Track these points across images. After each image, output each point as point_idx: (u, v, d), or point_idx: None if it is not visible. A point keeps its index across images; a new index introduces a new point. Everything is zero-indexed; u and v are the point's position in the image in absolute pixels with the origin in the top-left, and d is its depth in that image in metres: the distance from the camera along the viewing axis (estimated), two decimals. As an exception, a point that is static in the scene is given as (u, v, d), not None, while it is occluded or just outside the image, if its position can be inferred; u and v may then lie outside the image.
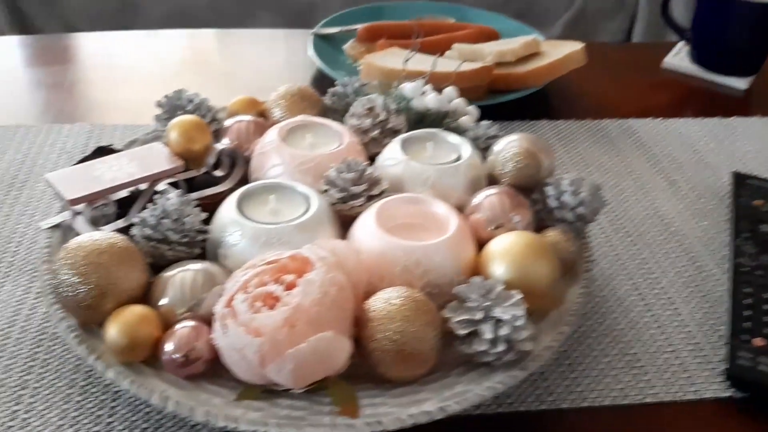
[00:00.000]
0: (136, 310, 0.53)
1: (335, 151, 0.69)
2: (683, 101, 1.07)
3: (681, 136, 0.96)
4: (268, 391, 0.52)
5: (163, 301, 0.55)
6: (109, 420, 0.55)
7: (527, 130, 0.94)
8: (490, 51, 1.00)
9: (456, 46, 1.03)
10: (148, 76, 1.05)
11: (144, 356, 0.53)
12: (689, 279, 0.72)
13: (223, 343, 0.51)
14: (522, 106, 0.98)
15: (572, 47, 1.01)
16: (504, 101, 0.96)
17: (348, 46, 1.11)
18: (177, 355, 0.52)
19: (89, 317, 0.54)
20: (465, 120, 0.79)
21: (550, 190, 0.66)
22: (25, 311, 0.63)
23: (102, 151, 0.72)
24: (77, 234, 0.64)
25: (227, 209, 0.61)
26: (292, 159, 0.67)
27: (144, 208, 0.65)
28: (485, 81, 0.96)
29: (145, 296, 0.56)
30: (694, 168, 0.89)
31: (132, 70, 1.07)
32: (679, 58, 1.14)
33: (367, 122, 0.74)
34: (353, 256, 0.56)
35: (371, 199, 0.64)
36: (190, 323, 0.53)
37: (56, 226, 0.65)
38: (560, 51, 1.01)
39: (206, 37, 1.25)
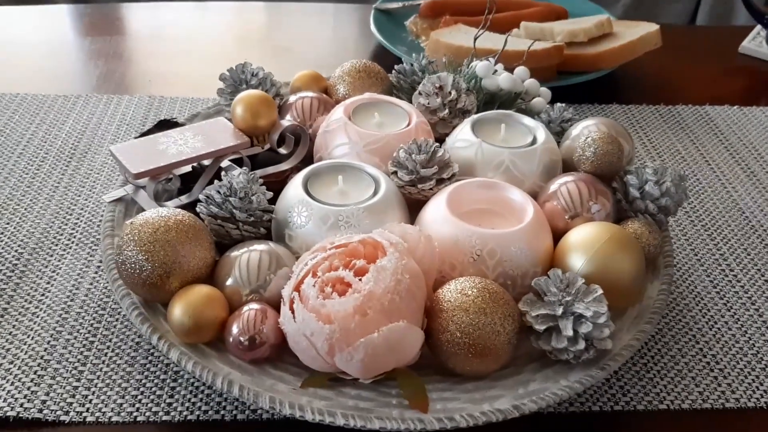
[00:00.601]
0: (202, 290, 0.52)
1: (403, 131, 0.66)
2: (761, 88, 1.01)
3: (760, 125, 0.91)
4: (335, 380, 0.50)
5: (228, 282, 0.53)
6: (169, 401, 0.54)
7: (598, 114, 0.90)
8: (560, 30, 0.96)
9: (524, 24, 0.99)
10: (204, 48, 1.04)
11: (209, 338, 0.51)
12: (772, 278, 0.68)
13: (290, 329, 0.49)
14: (591, 89, 0.94)
15: (647, 28, 0.97)
16: (574, 83, 0.92)
17: (410, 22, 1.08)
18: (243, 338, 0.50)
19: (153, 295, 0.53)
20: (538, 102, 0.76)
21: (631, 179, 0.62)
22: (86, 285, 0.62)
23: (165, 125, 0.70)
24: (140, 208, 0.63)
25: (294, 189, 0.59)
26: (360, 138, 0.65)
27: (208, 184, 0.64)
28: (556, 61, 0.92)
29: (210, 276, 0.55)
30: (775, 159, 0.85)
31: (186, 42, 1.05)
32: (756, 43, 1.08)
33: (437, 101, 0.71)
34: (425, 242, 0.53)
35: (441, 182, 0.62)
36: (257, 306, 0.51)
37: (119, 200, 0.64)
38: (634, 32, 0.97)
39: (256, 9, 1.22)
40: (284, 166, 0.68)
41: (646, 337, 0.55)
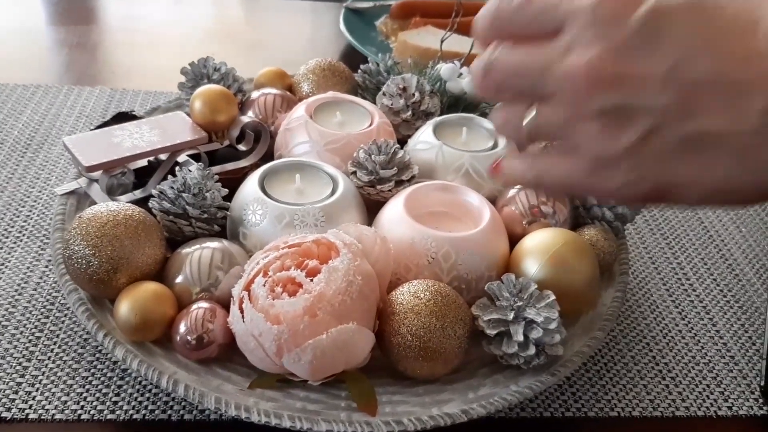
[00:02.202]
0: (150, 287, 0.51)
1: (365, 131, 0.66)
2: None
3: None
4: (283, 381, 0.49)
5: (178, 279, 0.52)
6: (115, 399, 0.52)
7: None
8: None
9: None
10: (172, 42, 1.02)
11: (156, 336, 0.50)
12: (726, 288, 0.69)
13: (239, 329, 0.48)
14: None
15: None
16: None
17: (380, 23, 1.08)
18: (190, 337, 0.49)
19: (100, 291, 0.52)
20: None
21: (589, 186, 0.62)
22: (35, 279, 0.61)
23: (123, 117, 0.69)
24: (93, 202, 0.62)
25: (250, 186, 0.58)
26: (320, 137, 0.64)
27: (163, 179, 0.63)
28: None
29: (160, 273, 0.54)
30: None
31: (155, 35, 1.04)
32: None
33: (400, 103, 0.71)
34: (381, 243, 0.53)
35: (401, 184, 0.61)
36: (206, 304, 0.50)
37: (71, 193, 0.63)
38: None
39: (232, 3, 1.21)
40: (243, 163, 0.67)
41: (598, 344, 0.55)
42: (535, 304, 0.51)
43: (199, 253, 0.53)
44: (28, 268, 0.62)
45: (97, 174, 0.61)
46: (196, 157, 0.65)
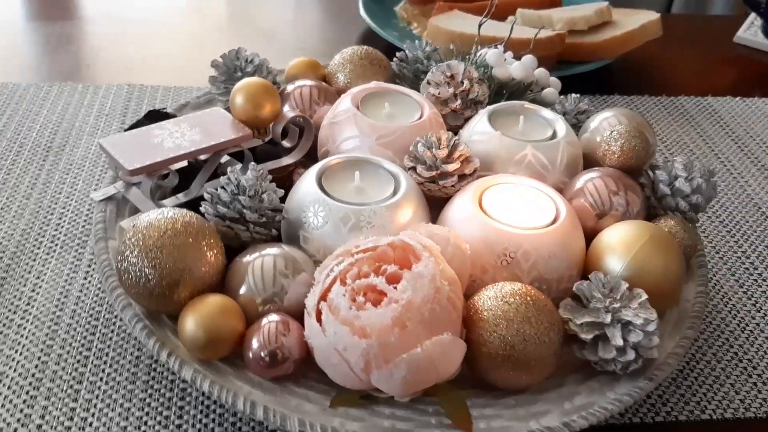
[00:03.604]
0: (216, 300, 0.46)
1: (417, 123, 0.62)
2: (759, 78, 1.00)
3: (765, 117, 0.89)
4: (366, 397, 0.46)
5: (242, 290, 0.48)
6: (179, 422, 0.48)
7: (600, 105, 0.87)
8: (559, 18, 0.93)
9: (521, 11, 0.96)
10: (179, 33, 0.97)
11: (225, 353, 0.46)
12: (796, 275, 0.66)
13: (319, 343, 0.44)
14: (590, 79, 0.91)
15: (647, 17, 0.94)
16: (575, 73, 0.89)
17: (400, 8, 1.03)
18: (264, 354, 0.45)
19: (160, 306, 0.48)
20: (549, 93, 0.72)
21: (661, 175, 0.59)
22: (75, 293, 0.57)
23: (156, 116, 0.64)
24: (133, 208, 0.57)
25: (307, 186, 0.54)
26: (371, 130, 0.60)
27: (207, 180, 0.59)
28: (558, 50, 0.88)
29: (220, 284, 0.49)
30: (783, 152, 0.83)
31: (157, 26, 0.98)
32: (751, 32, 1.07)
33: (448, 91, 0.67)
34: (455, 243, 0.49)
35: (463, 178, 0.57)
36: (277, 317, 0.46)
37: (109, 198, 0.58)
38: (634, 20, 0.94)
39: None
40: (288, 160, 0.63)
41: (689, 344, 0.52)
42: (629, 304, 0.48)
43: (261, 260, 0.49)
44: (66, 281, 0.58)
45: (136, 177, 0.56)
46: (237, 156, 0.61)
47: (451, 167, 0.57)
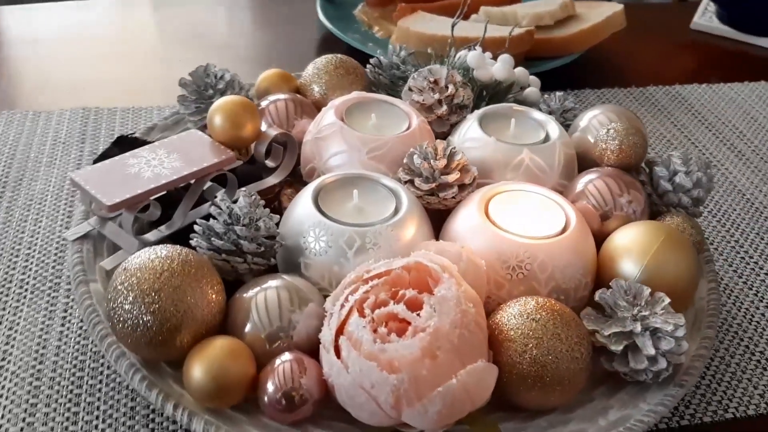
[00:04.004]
0: (224, 343, 0.43)
1: (407, 133, 0.59)
2: (718, 64, 1.00)
3: (733, 102, 0.89)
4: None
5: (247, 329, 0.45)
6: (188, 477, 0.45)
7: (573, 101, 0.86)
8: (524, 14, 0.91)
9: (484, 8, 0.94)
10: (122, 50, 0.91)
11: (237, 400, 0.43)
12: (791, 261, 0.66)
13: (342, 381, 0.41)
14: (560, 74, 0.89)
15: (611, 8, 0.93)
16: (546, 69, 0.87)
17: (359, 11, 1.00)
18: (281, 398, 0.42)
19: (159, 354, 0.44)
20: (532, 92, 0.70)
21: (660, 171, 0.58)
22: (54, 342, 0.52)
23: (125, 142, 0.60)
24: (112, 245, 0.53)
25: (303, 208, 0.51)
26: (361, 144, 0.57)
27: (191, 210, 0.54)
28: (528, 47, 0.87)
29: (222, 324, 0.46)
30: (756, 135, 0.83)
31: (94, 42, 0.92)
32: (706, 18, 1.07)
33: (432, 97, 0.64)
34: (468, 259, 0.47)
35: (463, 189, 0.55)
36: (290, 356, 0.43)
37: (84, 236, 0.54)
38: (598, 13, 0.93)
39: (171, 3, 1.09)
40: (272, 180, 0.60)
41: (712, 344, 0.50)
42: (654, 309, 0.46)
43: (263, 295, 0.46)
44: (42, 330, 0.53)
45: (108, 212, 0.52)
46: (218, 181, 0.57)
47: (450, 178, 0.54)
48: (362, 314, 0.42)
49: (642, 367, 0.45)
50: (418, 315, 0.42)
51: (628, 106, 0.87)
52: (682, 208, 0.57)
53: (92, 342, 0.51)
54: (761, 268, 0.65)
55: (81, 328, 0.53)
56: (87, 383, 0.49)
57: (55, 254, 0.59)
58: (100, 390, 0.49)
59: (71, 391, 0.49)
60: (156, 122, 0.67)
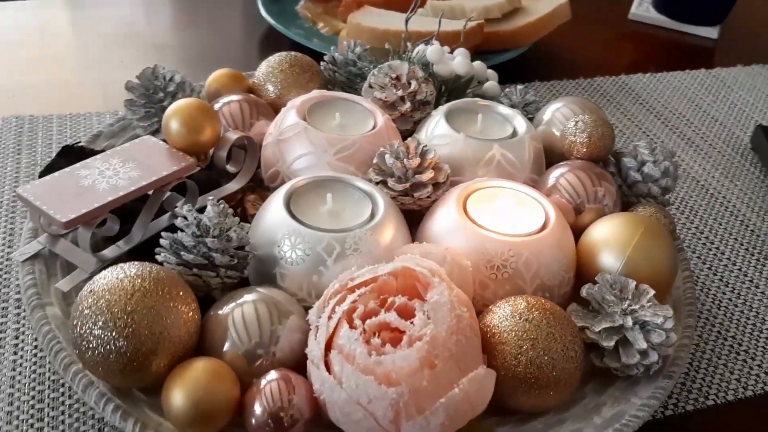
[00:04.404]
0: (205, 365, 0.40)
1: (374, 132, 0.57)
2: (659, 53, 1.02)
3: (677, 90, 0.91)
4: (390, 447, 0.41)
5: (226, 347, 0.42)
6: None
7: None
8: (472, 7, 0.90)
9: (431, 3, 0.92)
10: (46, 54, 0.85)
11: (222, 425, 0.40)
12: (750, 246, 0.67)
13: (336, 398, 0.39)
14: (507, 68, 0.89)
15: (557, 0, 0.93)
16: (497, 63, 0.87)
17: (301, 7, 0.97)
18: (271, 420, 0.39)
19: (134, 381, 0.40)
20: (491, 86, 0.69)
21: (629, 162, 0.58)
22: (8, 373, 0.48)
23: (70, 153, 0.56)
24: (66, 264, 0.49)
25: (274, 215, 0.48)
26: (328, 145, 0.55)
27: (150, 221, 0.51)
28: (478, 41, 0.86)
29: (199, 344, 0.43)
30: (702, 122, 0.85)
31: (12, 49, 0.85)
32: (643, 8, 1.09)
33: (395, 94, 0.62)
34: (453, 261, 0.45)
35: (438, 187, 0.53)
36: (276, 374, 0.40)
37: (34, 256, 0.49)
38: (544, 5, 0.93)
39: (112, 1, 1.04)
40: (234, 186, 0.57)
41: (693, 333, 0.50)
42: (641, 302, 0.46)
43: (240, 310, 0.43)
44: (-7, 361, 0.48)
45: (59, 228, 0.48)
46: (178, 189, 0.54)
47: (424, 177, 0.52)
48: (352, 325, 0.40)
49: (634, 362, 0.44)
50: (412, 323, 0.40)
51: (579, 97, 0.87)
52: (652, 197, 0.58)
53: (51, 371, 0.47)
54: (722, 253, 0.66)
55: (37, 355, 0.49)
56: (48, 415, 0.45)
57: (14, 279, 0.54)
58: (63, 422, 0.45)
59: (32, 426, 0.45)
60: (101, 129, 0.63)
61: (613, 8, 1.11)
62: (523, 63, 0.91)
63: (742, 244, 0.67)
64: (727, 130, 0.84)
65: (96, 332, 0.39)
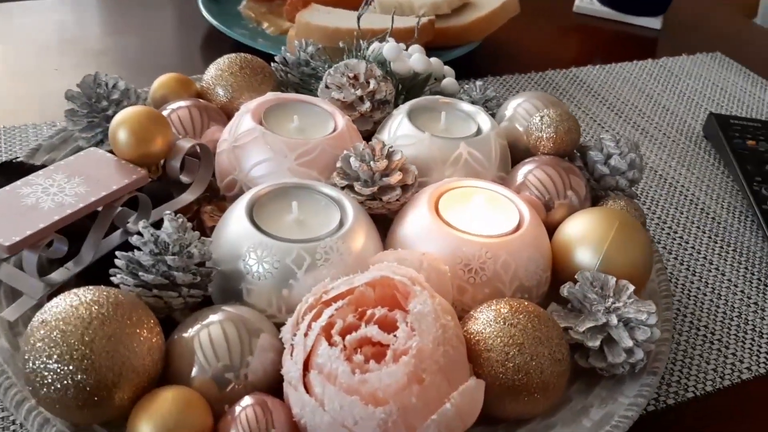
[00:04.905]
0: (173, 394, 0.37)
1: (335, 134, 0.55)
2: (605, 44, 1.03)
3: (626, 81, 0.91)
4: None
5: (194, 373, 0.39)
6: None
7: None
8: (421, 3, 0.88)
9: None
10: None
11: (196, 458, 0.37)
12: (713, 234, 0.67)
13: (319, 421, 0.36)
14: (458, 64, 0.87)
15: (503, -6, 0.92)
16: (449, 59, 0.85)
17: (243, 7, 0.94)
18: (250, 449, 0.36)
19: (96, 417, 0.37)
20: (450, 83, 0.68)
21: (596, 155, 0.57)
22: (-51, 414, 0.43)
23: (9, 169, 0.51)
24: (9, 290, 0.45)
25: (236, 227, 0.45)
26: (288, 150, 0.52)
27: (101, 240, 0.47)
28: (429, 37, 0.84)
29: (164, 371, 0.39)
30: (654, 112, 0.85)
31: None
32: (587, 1, 1.10)
33: (354, 94, 0.60)
34: (430, 266, 0.43)
35: (406, 190, 0.51)
36: (250, 399, 0.38)
37: (-27, 284, 0.45)
38: (492, 0, 0.92)
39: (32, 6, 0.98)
40: (189, 198, 0.53)
41: (672, 326, 0.50)
42: (623, 299, 0.44)
43: (206, 332, 0.40)
44: (-69, 401, 0.44)
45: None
46: (129, 204, 0.50)
47: (393, 179, 0.50)
48: (332, 342, 0.37)
49: (620, 361, 0.43)
50: (395, 336, 0.37)
51: (537, 91, 0.86)
52: (620, 190, 0.57)
53: (1, 407, 0.43)
54: (687, 242, 0.66)
55: (-18, 393, 0.44)
56: (-2, 458, 0.41)
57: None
58: (15, 464, 0.41)
59: (-20, 472, 0.41)
60: (40, 142, 0.58)
61: (559, 2, 1.11)
62: (474, 59, 0.90)
63: (705, 233, 0.67)
64: (679, 119, 0.84)
65: (51, 366, 0.35)
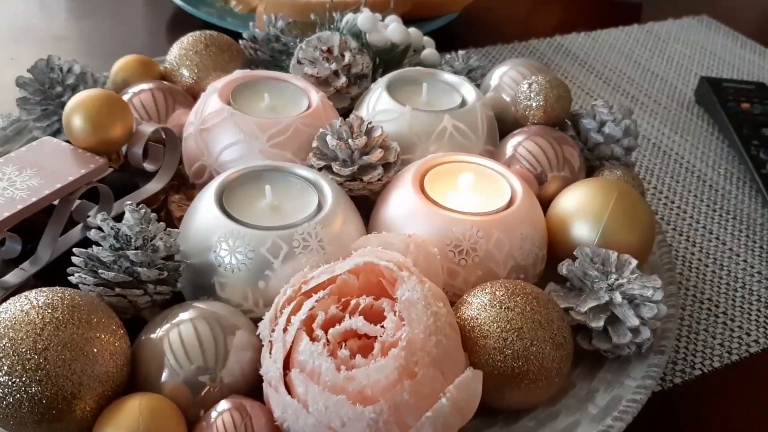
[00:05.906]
0: (141, 403, 0.33)
1: (310, 112, 0.51)
2: (592, 11, 0.99)
3: (611, 47, 0.88)
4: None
5: (163, 378, 0.35)
6: None
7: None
8: (396, -27, 0.84)
9: (352, -29, 0.86)
10: None
11: (169, 472, 0.33)
12: (710, 202, 0.64)
13: (303, 423, 0.33)
14: (438, 36, 0.84)
15: (480, -38, 0.88)
16: (428, 31, 0.81)
17: (209, -16, 0.89)
18: (228, 459, 0.33)
19: (55, 431, 0.33)
20: (430, 54, 0.64)
21: (589, 123, 0.54)
22: None
23: (-44, 162, 0.47)
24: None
25: (207, 216, 0.42)
26: (259, 131, 0.48)
27: (59, 237, 0.44)
28: (408, 8, 0.80)
29: (130, 377, 0.36)
30: (643, 78, 0.82)
31: None
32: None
33: (327, 68, 0.56)
34: (416, 249, 0.40)
35: (388, 168, 0.48)
36: (227, 404, 0.34)
37: None
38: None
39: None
40: (155, 187, 0.50)
41: (678, 301, 0.47)
42: (626, 275, 0.41)
43: (177, 331, 0.36)
44: None
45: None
46: (88, 197, 0.46)
47: (373, 157, 0.47)
48: (313, 337, 0.34)
49: (626, 341, 0.40)
50: (382, 327, 0.34)
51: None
52: (615, 159, 0.54)
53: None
54: (684, 212, 0.63)
55: (-66, 408, 0.41)
56: (-45, 480, 0.38)
57: None
58: (-26, 485, 0.38)
59: (-66, 496, 0.37)
60: (-8, 134, 0.54)
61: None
62: (453, 30, 0.86)
63: (702, 201, 0.64)
64: (669, 84, 0.81)
65: (1, 379, 0.31)
